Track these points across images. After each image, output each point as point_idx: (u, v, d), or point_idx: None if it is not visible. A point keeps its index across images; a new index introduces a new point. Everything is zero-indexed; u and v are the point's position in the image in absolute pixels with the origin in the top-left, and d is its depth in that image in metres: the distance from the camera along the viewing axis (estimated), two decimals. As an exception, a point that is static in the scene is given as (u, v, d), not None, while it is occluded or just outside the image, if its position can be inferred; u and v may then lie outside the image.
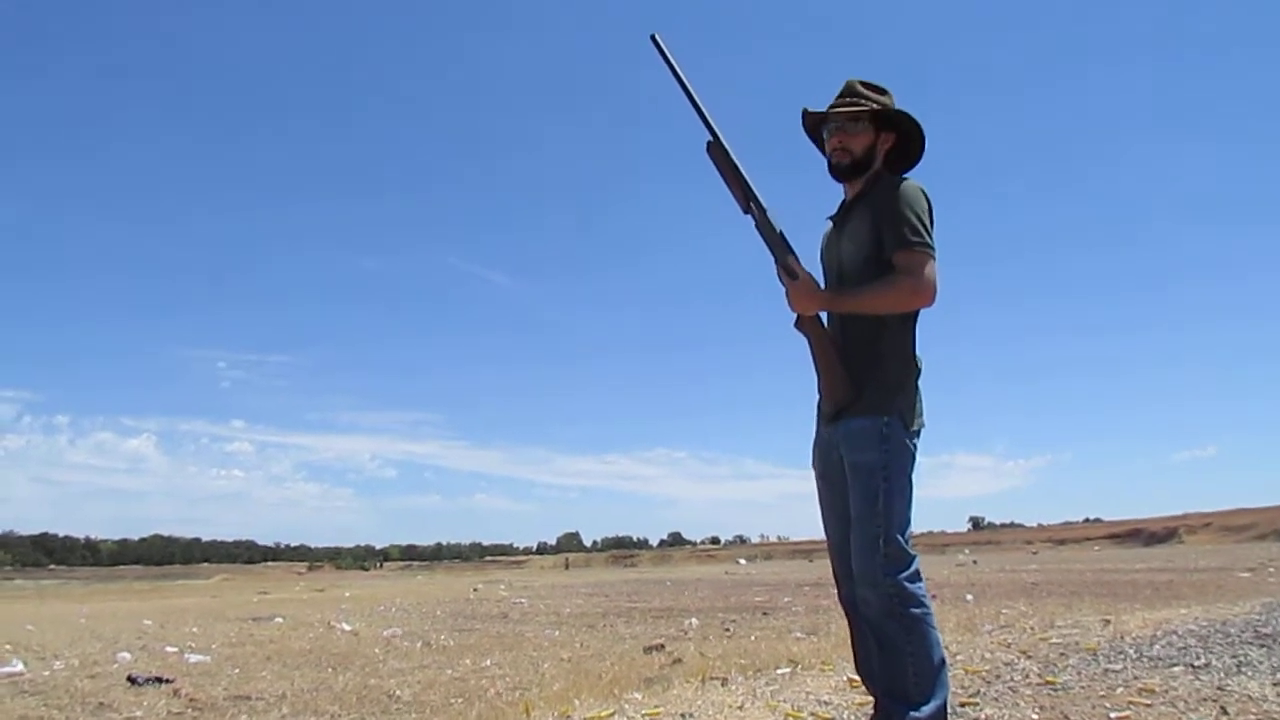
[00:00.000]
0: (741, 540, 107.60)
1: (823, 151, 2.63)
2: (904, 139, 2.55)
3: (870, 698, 3.19)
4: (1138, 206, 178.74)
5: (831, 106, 2.53)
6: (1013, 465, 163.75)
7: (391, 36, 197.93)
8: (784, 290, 2.47)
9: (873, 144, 2.51)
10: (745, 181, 2.52)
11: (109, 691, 5.25)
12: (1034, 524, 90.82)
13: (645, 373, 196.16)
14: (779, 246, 2.49)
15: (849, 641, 2.59)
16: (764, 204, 2.52)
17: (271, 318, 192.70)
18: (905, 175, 2.52)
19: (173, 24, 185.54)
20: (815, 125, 2.60)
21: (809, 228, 2.64)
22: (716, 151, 2.54)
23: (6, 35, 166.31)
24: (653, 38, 2.52)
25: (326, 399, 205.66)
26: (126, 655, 7.29)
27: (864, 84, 2.54)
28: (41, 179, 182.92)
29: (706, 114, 2.52)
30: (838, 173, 2.55)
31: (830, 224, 2.66)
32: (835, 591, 2.53)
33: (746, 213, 2.54)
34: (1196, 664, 3.81)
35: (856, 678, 3.52)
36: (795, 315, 2.50)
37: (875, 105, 2.50)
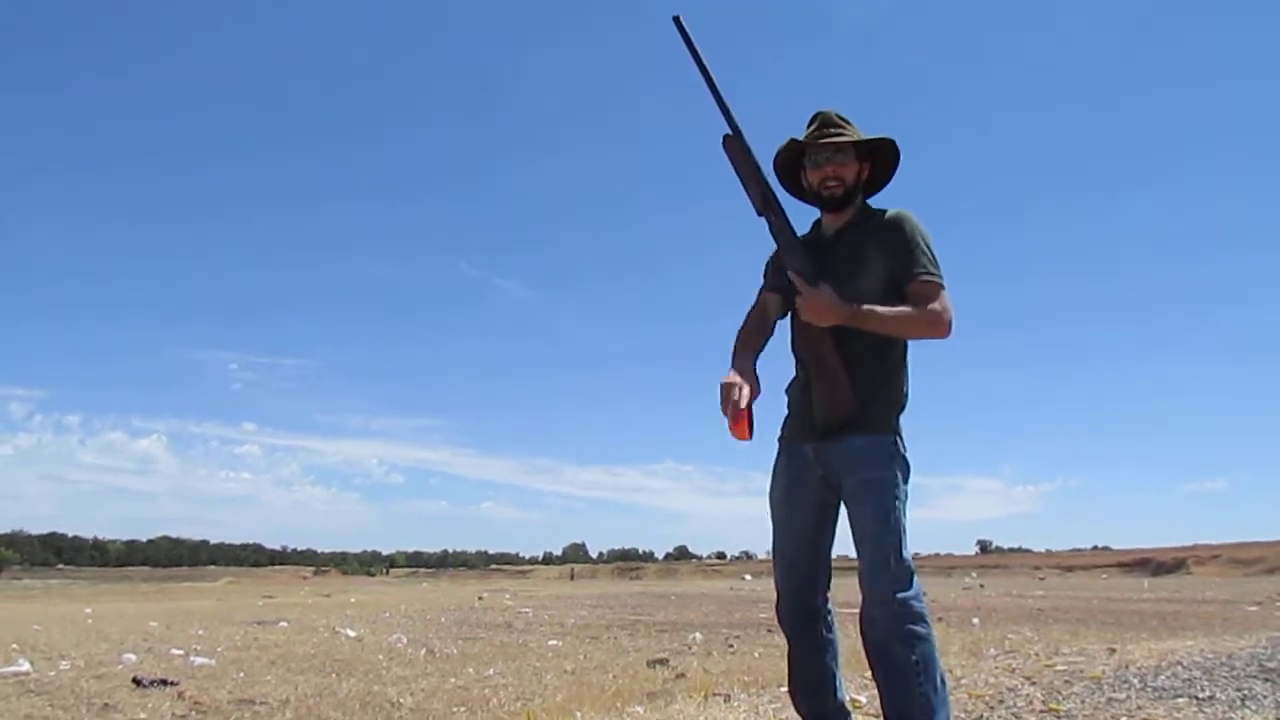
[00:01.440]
0: (748, 556, 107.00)
1: (786, 185, 2.56)
2: (875, 168, 2.52)
3: (873, 717, 3.21)
4: (1156, 233, 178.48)
5: (815, 137, 2.45)
6: (1022, 490, 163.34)
7: (408, 44, 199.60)
8: (796, 298, 2.39)
9: (858, 172, 2.48)
10: (763, 181, 2.43)
11: (114, 693, 5.28)
12: (1042, 550, 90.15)
13: (655, 385, 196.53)
14: (796, 253, 2.42)
15: (802, 662, 2.48)
16: (782, 207, 2.44)
17: (283, 321, 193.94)
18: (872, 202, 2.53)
19: (189, 30, 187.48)
20: (791, 158, 2.53)
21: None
22: (734, 146, 2.42)
23: (25, 43, 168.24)
24: (676, 19, 2.40)
25: (336, 402, 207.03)
26: (132, 656, 7.32)
27: (838, 115, 2.49)
28: (56, 181, 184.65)
29: (728, 104, 2.40)
30: (831, 203, 2.48)
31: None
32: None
33: (761, 214, 2.45)
34: (1200, 696, 3.80)
35: (859, 698, 3.54)
36: (802, 324, 2.43)
37: (861, 135, 2.46)
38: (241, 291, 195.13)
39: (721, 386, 2.28)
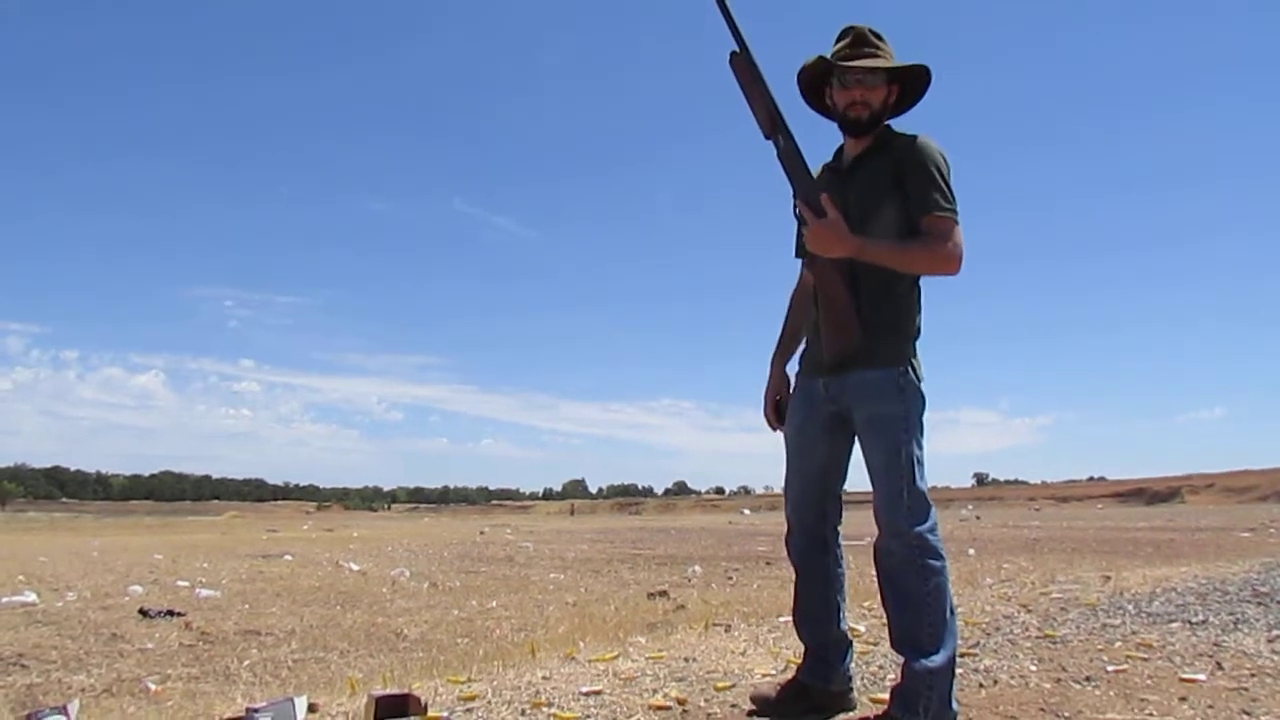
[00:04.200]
0: (746, 491, 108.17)
1: (811, 102, 2.45)
2: (904, 91, 2.40)
3: (873, 645, 3.25)
4: (1149, 165, 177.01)
5: (846, 56, 2.33)
6: (1019, 422, 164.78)
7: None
8: (803, 228, 2.31)
9: (886, 97, 2.35)
10: (773, 102, 2.27)
11: (121, 623, 5.35)
12: (1038, 481, 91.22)
13: (653, 323, 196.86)
14: (804, 180, 2.30)
15: (808, 593, 2.49)
16: (791, 131, 2.29)
17: (279, 257, 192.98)
18: (896, 126, 2.40)
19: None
20: (818, 73, 2.40)
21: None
22: (741, 64, 2.26)
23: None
24: None
25: (334, 340, 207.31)
26: (138, 588, 7.42)
27: (872, 32, 2.36)
28: (53, 115, 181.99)
29: (735, 20, 2.23)
30: (855, 128, 2.36)
31: (825, 171, 2.48)
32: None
33: (769, 138, 2.31)
34: (1194, 620, 3.85)
35: (858, 627, 3.58)
36: (809, 255, 2.33)
37: (895, 61, 2.34)
38: (234, 228, 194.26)
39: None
